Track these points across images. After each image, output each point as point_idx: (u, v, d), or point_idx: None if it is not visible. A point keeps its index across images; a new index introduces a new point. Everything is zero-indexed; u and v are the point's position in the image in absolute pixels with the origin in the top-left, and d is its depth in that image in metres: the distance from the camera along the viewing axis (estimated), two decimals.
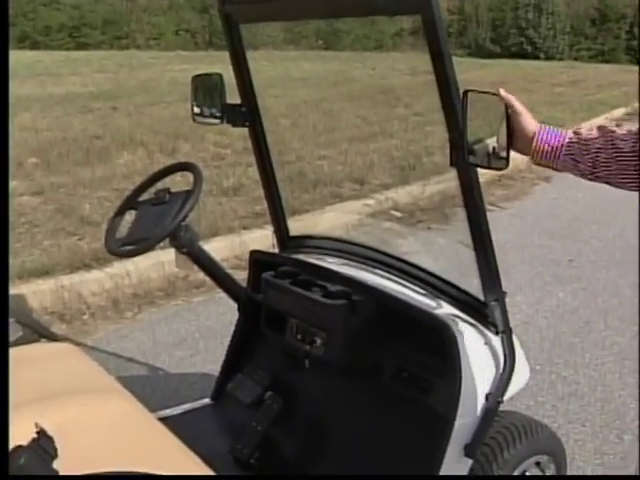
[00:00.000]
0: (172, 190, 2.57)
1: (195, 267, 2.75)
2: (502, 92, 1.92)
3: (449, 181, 8.68)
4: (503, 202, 7.99)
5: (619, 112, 14.43)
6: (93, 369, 2.19)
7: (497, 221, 7.20)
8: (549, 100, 14.67)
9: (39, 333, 2.77)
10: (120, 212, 2.58)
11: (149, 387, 3.90)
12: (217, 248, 5.76)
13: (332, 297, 2.32)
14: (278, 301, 2.54)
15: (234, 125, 2.74)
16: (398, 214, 7.27)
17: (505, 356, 2.21)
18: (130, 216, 2.63)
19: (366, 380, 2.38)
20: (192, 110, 2.79)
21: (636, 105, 15.70)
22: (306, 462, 2.54)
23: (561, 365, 4.08)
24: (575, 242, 6.50)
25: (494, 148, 1.86)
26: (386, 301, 2.27)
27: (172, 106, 12.37)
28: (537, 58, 28.27)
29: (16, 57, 19.36)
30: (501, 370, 2.22)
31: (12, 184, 6.88)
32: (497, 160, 1.84)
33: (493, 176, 9.00)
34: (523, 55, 28.54)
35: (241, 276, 5.10)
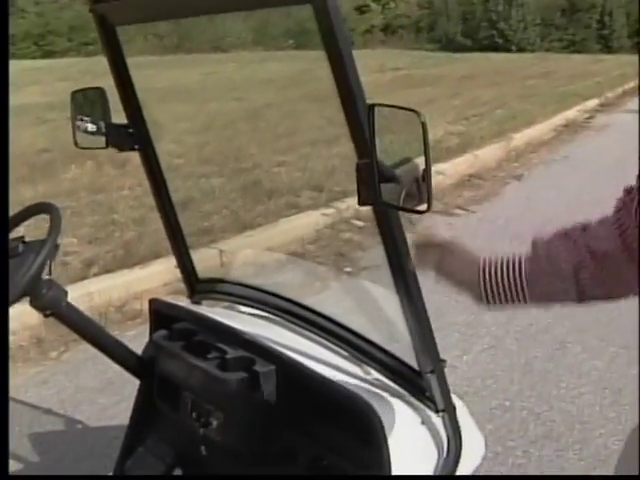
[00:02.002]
0: (28, 239, 2.08)
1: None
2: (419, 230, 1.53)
3: None
4: (472, 205, 7.54)
5: (592, 103, 14.04)
6: None
7: (465, 227, 6.76)
8: (520, 93, 14.27)
9: None
10: None
11: (63, 445, 3.43)
12: (159, 271, 5.29)
13: (229, 368, 1.84)
14: (170, 369, 2.07)
15: (120, 150, 2.26)
16: (360, 223, 6.80)
17: (448, 438, 1.75)
18: None
19: (276, 470, 1.90)
20: (73, 132, 2.32)
21: (609, 95, 15.33)
22: None
23: (534, 399, 3.62)
24: None
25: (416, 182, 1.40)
26: (296, 373, 1.79)
27: None
28: (509, 50, 27.96)
29: None
30: (444, 455, 1.75)
31: None
32: (417, 199, 1.38)
33: (462, 176, 8.60)
34: (494, 48, 28.22)
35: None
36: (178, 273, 4.44)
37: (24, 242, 2.01)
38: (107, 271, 5.28)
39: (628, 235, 1.33)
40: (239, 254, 4.98)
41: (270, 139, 9.66)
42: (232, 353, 1.90)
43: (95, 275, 5.20)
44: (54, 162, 8.77)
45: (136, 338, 4.27)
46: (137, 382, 3.07)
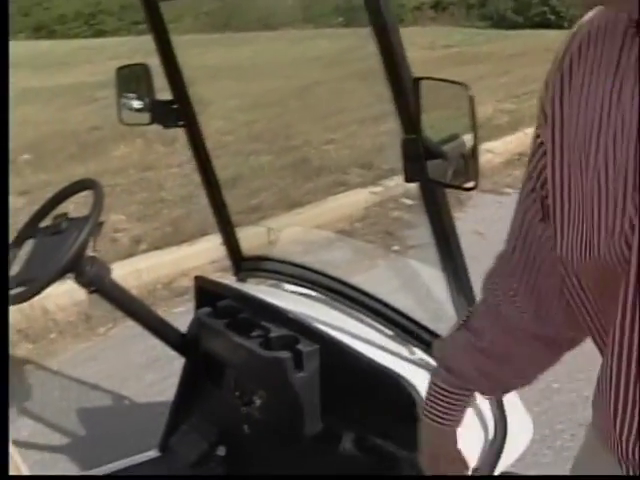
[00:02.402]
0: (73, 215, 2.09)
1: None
2: None
3: None
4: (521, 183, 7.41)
5: None
6: None
7: (513, 207, 6.65)
8: None
9: None
10: (17, 243, 2.10)
11: (110, 420, 3.46)
12: (206, 249, 5.29)
13: (273, 346, 1.82)
14: (213, 347, 2.06)
15: (165, 126, 2.26)
16: (409, 202, 6.72)
17: (495, 422, 1.71)
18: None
19: (319, 450, 1.88)
20: (118, 109, 2.32)
21: None
22: None
23: (583, 382, 3.54)
24: None
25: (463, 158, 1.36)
26: (339, 353, 1.77)
27: None
28: (561, 27, 27.35)
29: (30, 47, 18.96)
30: (490, 438, 1.72)
31: None
32: (464, 177, 1.34)
33: (512, 154, 8.46)
34: (547, 25, 27.65)
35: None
36: (225, 250, 4.38)
37: (68, 219, 2.01)
38: (155, 248, 5.31)
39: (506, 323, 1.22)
40: (286, 232, 4.98)
41: (318, 117, 9.61)
42: (276, 331, 1.88)
43: (143, 252, 5.23)
44: (104, 140, 8.82)
45: (183, 315, 4.29)
46: (182, 358, 3.07)
